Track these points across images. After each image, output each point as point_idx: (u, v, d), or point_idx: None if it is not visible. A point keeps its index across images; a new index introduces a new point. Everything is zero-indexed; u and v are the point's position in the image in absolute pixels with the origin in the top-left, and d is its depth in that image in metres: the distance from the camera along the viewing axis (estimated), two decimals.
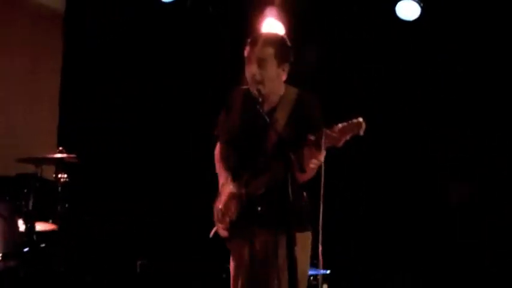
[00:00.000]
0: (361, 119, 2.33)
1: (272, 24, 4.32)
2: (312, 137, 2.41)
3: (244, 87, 2.76)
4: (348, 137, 2.35)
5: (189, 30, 4.87)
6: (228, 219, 2.66)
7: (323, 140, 2.37)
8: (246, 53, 2.63)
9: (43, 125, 4.75)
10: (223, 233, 2.69)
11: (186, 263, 4.70)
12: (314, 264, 2.80)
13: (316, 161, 2.42)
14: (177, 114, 4.92)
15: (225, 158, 2.81)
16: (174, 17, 4.86)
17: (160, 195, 4.84)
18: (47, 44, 4.92)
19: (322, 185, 2.50)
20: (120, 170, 4.88)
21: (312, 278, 3.60)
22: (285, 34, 4.15)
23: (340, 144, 2.36)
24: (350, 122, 2.34)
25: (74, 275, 3.73)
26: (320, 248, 2.67)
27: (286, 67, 2.67)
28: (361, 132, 2.33)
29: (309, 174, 2.56)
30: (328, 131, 2.36)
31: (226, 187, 2.69)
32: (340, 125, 2.35)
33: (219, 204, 2.68)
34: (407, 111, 4.46)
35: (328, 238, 2.72)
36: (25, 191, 3.31)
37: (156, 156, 4.92)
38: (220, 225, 2.67)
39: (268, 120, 2.55)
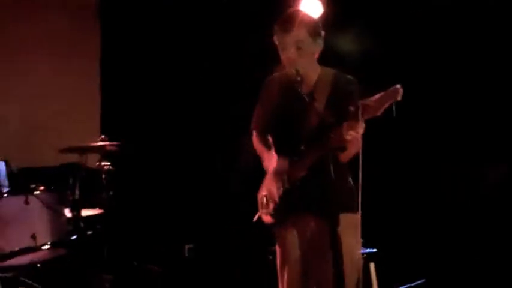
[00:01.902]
0: (398, 85, 2.28)
1: (310, 3, 4.25)
2: (351, 109, 2.37)
3: (277, 73, 2.76)
4: (386, 105, 2.30)
5: (224, 20, 4.84)
6: (272, 205, 2.65)
7: (360, 111, 2.33)
8: (278, 39, 2.61)
9: (85, 114, 4.85)
10: (267, 219, 2.69)
11: (232, 246, 4.74)
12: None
13: (353, 133, 2.37)
14: (219, 100, 4.93)
15: (264, 142, 2.80)
16: (211, 4, 4.85)
17: (205, 180, 4.88)
18: (84, 32, 4.98)
19: (360, 162, 2.45)
20: (165, 157, 4.94)
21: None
22: (322, 14, 4.18)
23: (379, 113, 2.32)
24: (387, 90, 2.29)
25: (122, 261, 3.82)
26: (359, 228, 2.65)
27: (320, 44, 2.64)
28: (399, 98, 2.28)
29: (349, 152, 2.52)
30: (365, 102, 2.32)
31: (272, 166, 2.69)
32: (377, 95, 2.31)
33: (262, 191, 2.67)
34: (445, 92, 4.33)
35: (376, 217, 2.69)
36: (70, 180, 3.37)
37: (200, 141, 4.95)
38: (264, 211, 2.67)
39: (308, 100, 2.53)
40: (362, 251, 3.53)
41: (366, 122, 2.46)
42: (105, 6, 5.10)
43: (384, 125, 2.47)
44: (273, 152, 2.76)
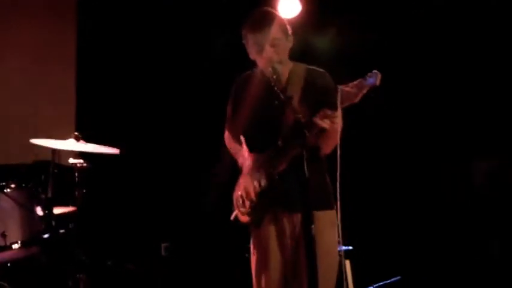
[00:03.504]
0: (375, 71, 2.31)
1: (288, 1, 4.25)
2: (328, 97, 2.41)
3: (248, 72, 2.78)
4: (364, 91, 2.34)
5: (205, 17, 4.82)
6: (248, 204, 2.64)
7: (338, 98, 2.35)
8: (251, 39, 2.63)
9: (60, 111, 4.79)
10: (244, 218, 2.69)
11: (209, 244, 4.73)
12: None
13: (328, 122, 2.39)
14: (197, 98, 4.91)
15: (236, 142, 2.82)
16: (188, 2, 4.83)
17: (181, 177, 4.85)
18: (61, 30, 4.94)
19: (338, 157, 2.46)
20: (140, 154, 4.89)
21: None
22: (300, 12, 4.18)
23: (357, 99, 2.35)
24: (365, 76, 2.33)
25: (96, 260, 3.78)
26: (339, 225, 2.66)
27: (291, 41, 2.69)
28: (378, 83, 2.32)
29: (327, 142, 2.54)
30: (343, 88, 2.35)
31: (245, 172, 2.69)
32: (355, 81, 2.34)
33: (238, 190, 2.67)
34: (427, 86, 4.37)
35: (352, 215, 2.70)
36: (42, 177, 3.33)
37: (177, 139, 4.93)
38: (241, 209, 2.66)
39: (283, 97, 2.54)
40: (339, 249, 3.53)
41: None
42: (82, 7, 5.04)
43: (361, 121, 2.48)
44: (244, 148, 2.76)
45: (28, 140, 3.58)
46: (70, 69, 4.95)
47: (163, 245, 4.82)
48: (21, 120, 4.49)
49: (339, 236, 2.68)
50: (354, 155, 4.05)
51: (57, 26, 4.92)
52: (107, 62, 4.96)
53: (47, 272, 3.37)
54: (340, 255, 3.50)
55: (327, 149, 2.59)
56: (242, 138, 2.81)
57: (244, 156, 2.75)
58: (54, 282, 3.41)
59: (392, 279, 4.12)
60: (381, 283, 4.08)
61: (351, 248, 3.81)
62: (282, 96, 2.56)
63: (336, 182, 2.49)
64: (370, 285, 4.01)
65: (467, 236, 4.23)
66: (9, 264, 3.18)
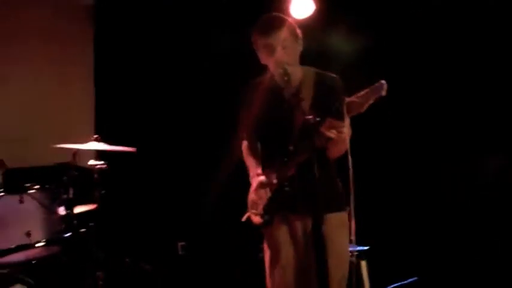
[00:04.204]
0: (382, 81, 2.33)
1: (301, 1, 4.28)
2: (335, 106, 2.44)
3: (259, 78, 2.81)
4: (371, 101, 2.36)
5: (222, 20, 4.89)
6: (261, 207, 2.70)
7: (344, 108, 2.38)
8: (261, 43, 2.67)
9: (80, 113, 4.89)
10: (256, 220, 2.75)
11: (224, 243, 4.78)
12: (350, 241, 2.83)
13: (335, 132, 2.41)
14: (210, 98, 4.97)
15: (252, 151, 2.86)
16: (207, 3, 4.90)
17: (198, 178, 4.92)
18: (78, 32, 5.03)
19: (349, 161, 2.49)
20: (158, 155, 4.97)
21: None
22: (314, 12, 4.21)
23: (364, 109, 2.38)
24: (372, 86, 2.35)
25: (114, 258, 3.87)
26: (353, 225, 2.70)
27: (301, 44, 2.72)
28: (384, 93, 2.34)
29: (333, 150, 2.58)
30: (350, 99, 2.38)
31: (256, 177, 2.75)
32: (362, 91, 2.36)
33: (251, 194, 2.73)
34: (437, 84, 4.36)
35: (368, 215, 2.73)
36: (64, 179, 3.42)
37: (193, 139, 4.99)
38: (253, 211, 2.72)
39: (294, 98, 2.59)
40: (354, 249, 3.53)
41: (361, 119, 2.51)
42: (99, 7, 5.13)
43: (375, 121, 2.50)
44: (259, 165, 2.80)
45: (50, 143, 3.70)
46: (88, 72, 5.04)
47: (179, 244, 4.90)
48: (43, 124, 4.59)
49: (351, 237, 2.72)
50: (369, 155, 4.10)
51: (75, 29, 5.00)
52: (124, 64, 5.04)
53: (68, 269, 3.48)
54: (353, 256, 3.57)
55: (333, 155, 2.63)
56: (259, 148, 2.88)
57: (255, 172, 2.79)
58: (75, 279, 3.51)
59: (409, 280, 4.11)
60: (398, 284, 4.07)
61: (366, 248, 3.82)
62: (292, 98, 2.61)
63: (349, 183, 2.53)
64: (387, 286, 4.02)
65: (485, 236, 4.19)
66: (34, 262, 3.29)
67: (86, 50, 5.03)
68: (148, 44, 5.04)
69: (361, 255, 3.75)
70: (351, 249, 3.49)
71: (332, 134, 2.42)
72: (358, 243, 3.60)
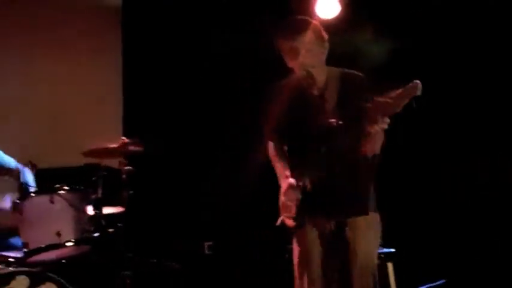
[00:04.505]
0: (417, 81, 2.31)
1: (327, 2, 4.28)
2: (368, 105, 2.43)
3: (285, 80, 2.82)
4: (406, 101, 2.34)
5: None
6: (293, 210, 2.71)
7: (378, 108, 2.37)
8: (287, 46, 2.68)
9: (108, 116, 4.96)
10: (290, 223, 2.75)
11: (251, 244, 4.80)
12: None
13: (377, 127, 2.41)
14: (239, 99, 5.00)
15: (279, 154, 2.87)
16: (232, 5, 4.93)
17: (224, 178, 4.95)
18: (106, 34, 5.10)
19: (375, 163, 2.49)
20: (185, 156, 5.02)
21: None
22: (339, 13, 4.21)
23: (399, 109, 2.36)
24: (406, 86, 2.33)
25: (142, 258, 3.91)
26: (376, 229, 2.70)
27: (326, 46, 2.73)
28: (418, 92, 2.32)
29: (373, 147, 2.57)
30: (384, 99, 2.36)
31: (285, 180, 2.75)
32: (396, 91, 2.35)
33: (282, 197, 2.74)
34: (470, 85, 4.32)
35: (395, 217, 2.72)
36: (93, 179, 3.47)
37: (220, 140, 5.03)
38: (286, 214, 2.73)
39: (319, 102, 2.60)
40: (380, 251, 3.52)
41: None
42: (127, 9, 5.20)
43: (404, 121, 2.49)
44: (287, 167, 2.81)
45: (79, 144, 3.77)
46: (117, 74, 5.11)
47: (206, 244, 4.94)
48: (73, 126, 4.67)
49: (380, 240, 2.72)
50: (396, 155, 4.07)
51: (103, 30, 5.08)
52: (151, 65, 5.10)
53: (97, 269, 3.54)
54: (381, 258, 3.55)
55: (369, 153, 2.61)
56: (285, 149, 2.89)
57: (283, 173, 2.80)
58: (103, 278, 3.56)
59: (437, 283, 4.08)
60: (425, 286, 4.04)
61: (393, 250, 3.80)
62: (316, 100, 2.65)
63: (376, 186, 2.53)
64: None
65: None
66: (64, 261, 3.34)
67: (114, 51, 5.10)
68: (174, 43, 5.09)
69: (387, 257, 3.74)
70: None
71: (373, 129, 2.43)
72: (385, 245, 3.61)
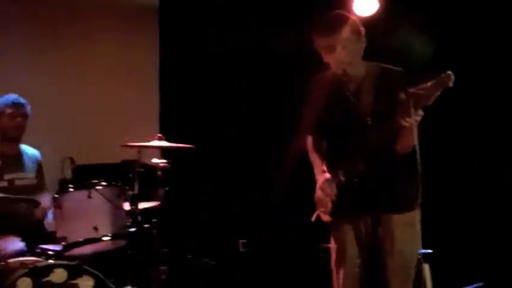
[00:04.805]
0: (449, 72, 2.29)
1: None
2: (402, 96, 2.42)
3: (323, 74, 2.81)
4: (438, 93, 2.32)
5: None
6: (329, 205, 2.70)
7: (411, 99, 2.35)
8: (322, 42, 2.67)
9: (145, 113, 5.04)
10: (326, 218, 2.76)
11: (285, 241, 4.80)
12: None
13: (410, 120, 2.39)
14: (274, 98, 5.00)
15: (317, 148, 2.86)
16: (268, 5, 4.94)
17: (259, 175, 4.97)
18: (143, 31, 5.19)
19: (418, 158, 2.46)
20: (220, 153, 5.06)
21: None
22: (377, 9, 4.17)
23: (431, 101, 2.34)
24: (438, 77, 2.31)
25: (176, 254, 3.96)
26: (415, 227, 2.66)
27: (363, 42, 2.70)
28: (451, 84, 2.30)
29: (406, 142, 2.53)
30: (417, 90, 2.34)
31: (322, 175, 2.75)
32: (428, 83, 2.33)
33: (318, 192, 2.73)
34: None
35: (432, 216, 2.68)
36: (129, 175, 3.53)
37: (254, 138, 5.05)
38: (322, 210, 2.73)
39: (354, 99, 2.60)
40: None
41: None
42: (164, 8, 5.26)
43: (439, 118, 2.46)
44: (323, 161, 2.81)
45: (117, 141, 3.84)
46: (154, 72, 5.20)
47: (240, 241, 4.96)
48: (111, 123, 4.77)
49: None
50: (437, 151, 4.01)
51: (141, 31, 5.16)
52: (187, 64, 5.16)
53: (133, 263, 3.59)
54: (419, 258, 3.50)
55: (402, 148, 2.58)
56: (324, 145, 2.88)
57: (320, 168, 2.80)
58: (139, 273, 3.61)
59: (475, 285, 3.99)
60: None
61: (430, 251, 3.75)
62: (352, 97, 2.63)
63: (419, 183, 2.50)
64: None
65: None
66: (100, 255, 3.40)
67: (151, 51, 5.18)
68: (211, 42, 5.13)
69: (424, 258, 3.67)
70: None
71: (406, 123, 2.40)
72: (422, 246, 3.55)
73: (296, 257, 4.61)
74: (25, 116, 3.82)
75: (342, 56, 2.64)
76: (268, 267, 4.78)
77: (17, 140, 3.85)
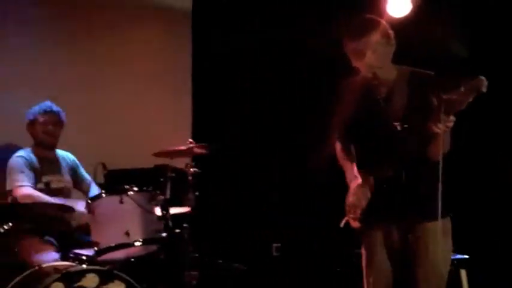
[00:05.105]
0: (482, 77, 2.25)
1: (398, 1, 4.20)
2: (434, 102, 2.40)
3: (353, 78, 2.79)
4: (471, 98, 2.28)
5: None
6: (359, 211, 2.68)
7: (443, 104, 2.31)
8: (352, 46, 2.64)
9: (177, 119, 5.07)
10: (355, 224, 2.74)
11: (319, 246, 4.77)
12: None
13: (442, 126, 2.35)
14: (306, 102, 4.98)
15: (346, 153, 2.84)
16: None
17: (293, 180, 4.95)
18: (176, 38, 5.21)
19: (441, 165, 2.41)
20: (252, 157, 5.06)
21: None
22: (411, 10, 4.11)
23: (464, 106, 2.30)
24: (470, 82, 2.26)
25: (208, 259, 3.98)
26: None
27: (393, 45, 2.66)
28: (484, 89, 2.25)
29: (439, 148, 2.47)
30: (449, 96, 2.30)
31: (355, 180, 2.73)
32: (461, 89, 2.27)
33: (349, 198, 2.71)
34: None
35: (469, 222, 2.63)
36: (161, 180, 3.55)
37: (287, 142, 5.04)
38: (351, 216, 2.71)
39: (384, 104, 2.58)
40: (453, 257, 3.44)
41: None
42: (197, 14, 5.29)
43: (472, 123, 2.41)
44: (354, 166, 2.78)
45: (149, 146, 3.88)
46: (186, 78, 5.21)
47: (274, 246, 4.96)
48: (143, 128, 4.80)
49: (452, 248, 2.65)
50: (467, 157, 3.92)
51: (173, 36, 5.18)
52: (219, 69, 5.18)
53: (164, 268, 3.61)
54: (454, 265, 3.43)
55: (435, 155, 2.53)
56: (353, 150, 2.85)
57: (352, 173, 2.78)
58: (170, 278, 3.64)
59: None
60: None
61: (466, 257, 3.67)
62: (382, 101, 2.60)
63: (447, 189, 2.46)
64: None
65: None
66: (132, 260, 3.44)
67: (184, 56, 5.21)
68: (244, 46, 5.13)
69: (460, 264, 3.61)
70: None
71: (438, 129, 2.36)
72: (458, 252, 3.49)
73: (329, 262, 4.58)
74: (58, 123, 3.90)
75: (372, 61, 2.61)
76: (302, 271, 4.76)
77: (51, 147, 3.94)
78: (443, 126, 2.35)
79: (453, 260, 3.38)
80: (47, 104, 3.90)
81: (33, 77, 4.47)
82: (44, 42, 4.60)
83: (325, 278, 4.54)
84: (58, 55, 4.62)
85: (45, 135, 3.86)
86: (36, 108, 3.89)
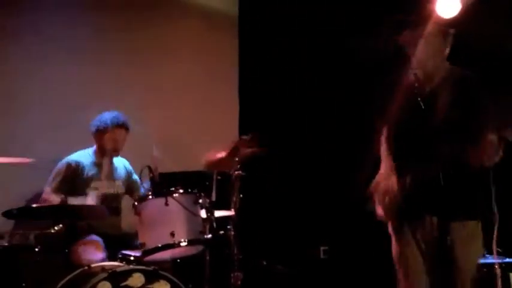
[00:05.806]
0: None
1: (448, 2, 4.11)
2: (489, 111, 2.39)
3: (400, 75, 2.81)
4: None
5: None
6: (388, 200, 2.71)
7: (502, 146, 2.34)
8: (407, 39, 2.68)
9: (223, 122, 5.13)
10: (381, 212, 2.79)
11: (366, 248, 4.72)
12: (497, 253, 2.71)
13: (494, 136, 2.33)
14: (354, 103, 4.93)
15: (391, 148, 2.84)
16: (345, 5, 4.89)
17: (341, 182, 4.91)
18: (222, 39, 5.26)
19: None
20: (299, 160, 5.06)
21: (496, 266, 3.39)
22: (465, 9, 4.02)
23: None
24: None
25: (253, 260, 4.01)
26: (495, 236, 2.57)
27: (449, 42, 2.66)
28: None
29: (491, 157, 2.46)
30: (505, 135, 2.31)
31: (390, 175, 2.74)
32: None
33: (383, 183, 2.75)
34: None
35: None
36: (206, 183, 3.61)
37: (334, 144, 5.02)
38: (379, 205, 2.75)
39: (427, 104, 2.54)
40: (501, 261, 3.41)
41: None
42: (243, 13, 5.34)
43: None
44: (394, 164, 2.76)
45: (196, 149, 3.95)
46: (233, 81, 5.28)
47: (322, 248, 4.94)
48: (190, 132, 4.89)
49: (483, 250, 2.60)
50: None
51: (220, 39, 5.23)
52: (266, 73, 5.21)
53: (210, 268, 3.68)
54: (502, 268, 3.35)
55: (488, 163, 2.50)
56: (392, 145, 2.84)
57: (388, 171, 2.77)
58: (215, 278, 3.69)
59: None
60: None
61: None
62: (427, 100, 2.61)
63: (492, 192, 2.41)
64: None
65: None
66: (178, 260, 3.54)
67: (230, 60, 5.26)
68: (288, 50, 5.15)
69: (508, 267, 3.51)
70: (497, 261, 3.30)
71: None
72: (506, 255, 3.39)
73: (377, 265, 4.52)
74: (126, 136, 4.04)
75: (423, 55, 2.63)
76: (349, 275, 4.72)
77: (115, 155, 4.08)
78: (494, 136, 2.35)
79: (502, 263, 3.33)
80: (119, 117, 4.02)
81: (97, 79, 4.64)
82: (105, 55, 4.74)
83: (372, 281, 4.49)
84: (106, 62, 4.75)
85: (113, 147, 4.01)
86: (107, 118, 4.00)
